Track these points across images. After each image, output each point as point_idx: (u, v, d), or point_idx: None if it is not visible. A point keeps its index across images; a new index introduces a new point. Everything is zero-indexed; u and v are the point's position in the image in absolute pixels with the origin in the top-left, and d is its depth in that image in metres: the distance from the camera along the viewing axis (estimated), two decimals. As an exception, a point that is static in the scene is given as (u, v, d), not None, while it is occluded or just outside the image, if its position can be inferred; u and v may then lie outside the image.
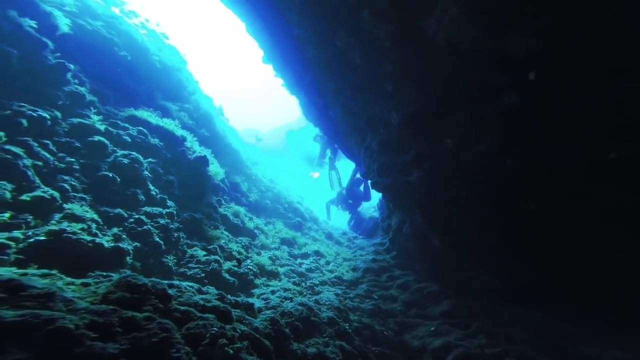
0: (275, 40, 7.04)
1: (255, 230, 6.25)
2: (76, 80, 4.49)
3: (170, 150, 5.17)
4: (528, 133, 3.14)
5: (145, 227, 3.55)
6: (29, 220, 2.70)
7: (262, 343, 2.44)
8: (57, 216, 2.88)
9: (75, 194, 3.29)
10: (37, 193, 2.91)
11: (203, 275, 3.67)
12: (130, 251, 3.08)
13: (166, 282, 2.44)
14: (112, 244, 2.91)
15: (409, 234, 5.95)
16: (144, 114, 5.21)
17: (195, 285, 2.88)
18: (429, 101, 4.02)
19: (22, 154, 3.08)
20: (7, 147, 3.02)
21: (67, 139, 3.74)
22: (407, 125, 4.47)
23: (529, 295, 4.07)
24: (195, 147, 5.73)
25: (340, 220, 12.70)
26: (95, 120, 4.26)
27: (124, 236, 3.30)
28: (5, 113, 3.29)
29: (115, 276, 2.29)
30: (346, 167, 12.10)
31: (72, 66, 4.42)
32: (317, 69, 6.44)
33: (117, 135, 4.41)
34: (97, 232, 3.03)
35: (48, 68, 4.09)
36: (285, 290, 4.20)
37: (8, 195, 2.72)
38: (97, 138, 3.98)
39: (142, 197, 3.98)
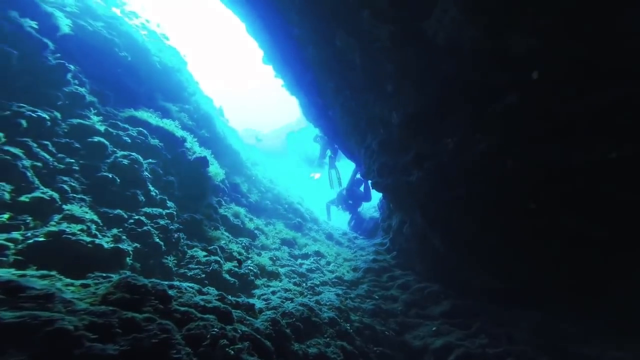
0: (275, 40, 7.04)
1: (256, 231, 6.25)
2: (76, 81, 4.49)
3: (170, 151, 5.16)
4: (528, 133, 3.14)
5: (145, 228, 3.55)
6: (28, 221, 2.69)
7: (263, 344, 2.44)
8: (57, 217, 2.87)
9: (74, 195, 3.29)
10: (37, 194, 2.90)
11: (203, 276, 3.66)
12: (130, 252, 3.07)
13: (166, 282, 2.44)
14: (112, 245, 2.90)
15: (410, 234, 5.94)
16: (144, 114, 5.21)
17: (196, 286, 2.87)
18: (429, 101, 4.02)
19: (21, 154, 3.07)
20: (6, 147, 3.01)
21: (67, 139, 3.73)
22: (408, 125, 4.47)
23: (529, 295, 4.06)
24: (195, 148, 5.73)
25: (340, 220, 12.70)
26: (95, 121, 4.26)
27: (124, 237, 3.29)
28: (5, 114, 3.28)
29: (115, 277, 2.29)
30: (346, 168, 12.10)
31: (72, 67, 4.42)
32: (317, 69, 6.44)
33: (117, 136, 4.41)
34: (97, 233, 3.02)
35: (48, 69, 4.09)
36: (286, 290, 4.20)
37: (7, 196, 2.71)
38: (96, 139, 3.98)
39: (142, 197, 3.97)
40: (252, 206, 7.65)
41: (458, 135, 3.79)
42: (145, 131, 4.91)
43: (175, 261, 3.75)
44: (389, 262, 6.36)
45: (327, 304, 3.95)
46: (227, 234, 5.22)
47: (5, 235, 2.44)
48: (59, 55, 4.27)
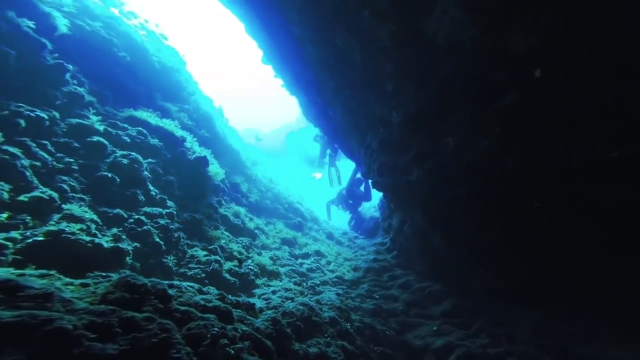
0: (274, 39, 7.04)
1: (256, 231, 6.24)
2: (75, 81, 4.48)
3: (170, 150, 5.15)
4: (528, 133, 3.14)
5: (145, 227, 3.54)
6: (27, 220, 2.68)
7: (264, 343, 2.43)
8: (56, 217, 2.86)
9: (74, 195, 3.27)
10: (36, 193, 2.89)
11: (203, 275, 3.66)
12: (130, 251, 3.06)
13: (166, 282, 2.43)
14: (112, 244, 2.89)
15: (410, 234, 5.94)
16: (143, 114, 5.20)
17: (196, 286, 2.87)
18: (429, 101, 4.02)
19: (20, 154, 3.06)
20: (5, 147, 3.00)
21: (66, 139, 3.72)
22: (408, 125, 4.47)
23: (529, 295, 4.06)
24: (195, 148, 5.72)
25: (340, 220, 12.70)
26: (94, 120, 4.25)
27: (124, 236, 3.28)
28: (3, 113, 3.27)
29: (114, 276, 2.28)
30: (346, 167, 12.10)
31: (70, 67, 4.40)
32: (317, 68, 6.44)
33: (116, 135, 4.40)
34: (97, 232, 3.01)
35: (46, 68, 4.08)
36: (287, 290, 4.19)
37: (6, 195, 2.70)
38: (96, 138, 3.96)
39: (142, 197, 3.96)
40: (252, 206, 7.65)
41: (458, 135, 3.79)
42: (144, 131, 4.90)
43: (175, 260, 3.74)
44: (390, 262, 6.36)
45: (328, 303, 3.95)
46: (227, 233, 5.21)
47: (4, 235, 2.43)
48: (57, 55, 4.26)
